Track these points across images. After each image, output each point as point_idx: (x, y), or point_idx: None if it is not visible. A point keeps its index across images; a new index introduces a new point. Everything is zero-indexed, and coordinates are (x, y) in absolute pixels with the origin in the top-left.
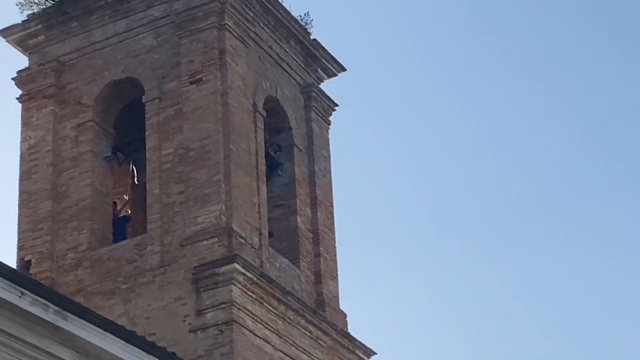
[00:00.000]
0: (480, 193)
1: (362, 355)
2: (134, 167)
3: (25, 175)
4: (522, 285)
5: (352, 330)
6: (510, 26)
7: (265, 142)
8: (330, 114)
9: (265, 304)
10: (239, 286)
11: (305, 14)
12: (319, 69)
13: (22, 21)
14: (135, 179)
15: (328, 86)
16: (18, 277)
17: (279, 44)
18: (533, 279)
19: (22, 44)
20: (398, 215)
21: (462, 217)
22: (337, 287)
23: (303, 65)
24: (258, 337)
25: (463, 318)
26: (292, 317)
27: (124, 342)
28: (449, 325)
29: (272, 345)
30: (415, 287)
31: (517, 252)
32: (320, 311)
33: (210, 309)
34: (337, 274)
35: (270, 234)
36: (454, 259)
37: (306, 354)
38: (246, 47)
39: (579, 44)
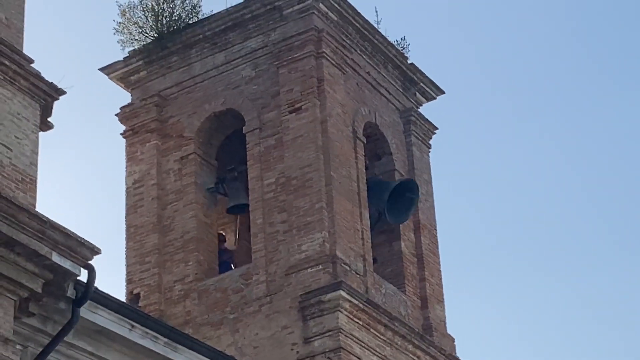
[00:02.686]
0: (586, 213)
1: None
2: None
3: (131, 209)
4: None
5: (461, 354)
6: (613, 44)
7: (366, 168)
8: (431, 138)
9: (372, 330)
10: (345, 313)
11: (401, 39)
12: (417, 93)
13: (124, 58)
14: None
15: (427, 110)
16: (128, 310)
17: (376, 69)
18: None
19: (124, 81)
20: (502, 236)
21: (566, 236)
22: (443, 311)
23: (401, 90)
24: None
25: (575, 338)
26: (399, 343)
27: None
28: (560, 346)
29: None
30: (523, 308)
31: (629, 267)
32: (427, 336)
33: (318, 337)
34: (443, 298)
35: (375, 260)
36: (560, 278)
37: None
38: (344, 74)
39: None
